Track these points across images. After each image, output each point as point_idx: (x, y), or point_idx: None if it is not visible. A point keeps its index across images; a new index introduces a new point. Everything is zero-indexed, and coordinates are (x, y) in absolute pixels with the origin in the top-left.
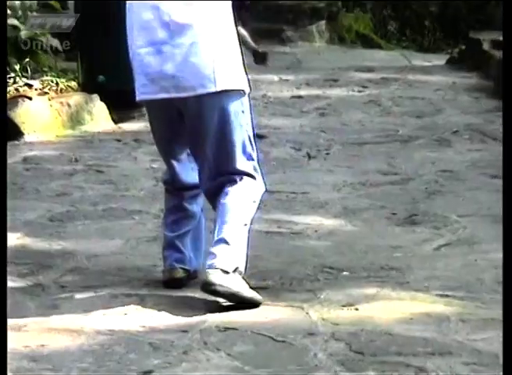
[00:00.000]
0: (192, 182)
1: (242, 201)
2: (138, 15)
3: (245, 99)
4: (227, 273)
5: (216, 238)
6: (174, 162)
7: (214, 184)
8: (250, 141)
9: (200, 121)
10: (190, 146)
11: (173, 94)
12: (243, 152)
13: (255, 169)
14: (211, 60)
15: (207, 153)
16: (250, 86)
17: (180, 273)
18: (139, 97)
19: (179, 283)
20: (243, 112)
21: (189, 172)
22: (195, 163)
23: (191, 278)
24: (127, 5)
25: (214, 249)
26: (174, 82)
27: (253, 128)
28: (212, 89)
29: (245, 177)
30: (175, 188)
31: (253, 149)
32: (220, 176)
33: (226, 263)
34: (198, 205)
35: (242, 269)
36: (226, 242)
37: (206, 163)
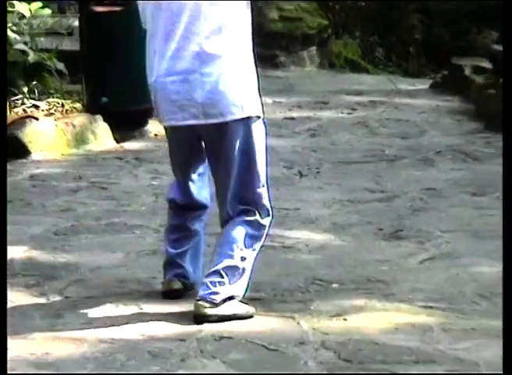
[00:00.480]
0: (201, 202)
1: (248, 237)
2: (161, 44)
3: (262, 125)
4: (218, 305)
5: (213, 269)
6: (189, 183)
7: (228, 210)
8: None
9: (224, 146)
10: (211, 169)
11: (202, 121)
12: (257, 180)
13: (266, 197)
14: (237, 88)
15: (227, 179)
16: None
17: (179, 285)
18: (167, 123)
19: (177, 294)
20: (261, 139)
21: (200, 192)
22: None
23: (189, 290)
24: (149, 34)
25: (208, 280)
26: (204, 109)
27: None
28: (239, 115)
29: (258, 212)
30: (180, 207)
31: (265, 174)
32: (236, 203)
33: (219, 297)
34: (201, 224)
35: (238, 294)
36: (222, 277)
37: (223, 188)
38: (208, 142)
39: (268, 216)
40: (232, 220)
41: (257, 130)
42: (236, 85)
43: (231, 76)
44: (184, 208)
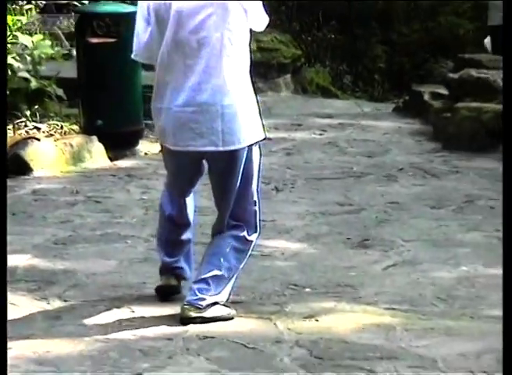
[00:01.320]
0: (189, 218)
1: (235, 250)
2: (180, 76)
3: (258, 147)
4: (204, 309)
5: (200, 277)
6: (183, 198)
7: (223, 224)
8: (258, 191)
9: (229, 169)
10: (213, 188)
11: (220, 148)
12: (251, 198)
13: (256, 214)
14: (250, 118)
15: (227, 197)
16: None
17: (175, 282)
18: (184, 148)
19: (173, 289)
20: (258, 162)
21: (189, 207)
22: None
23: (184, 280)
24: (160, 66)
25: (195, 286)
26: (223, 137)
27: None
28: (249, 142)
29: (246, 228)
30: (175, 225)
31: (258, 193)
32: (231, 218)
33: (204, 302)
34: (190, 232)
35: (222, 300)
36: (209, 284)
37: (222, 204)
38: (215, 165)
39: (255, 232)
40: (222, 233)
41: (256, 154)
42: (249, 115)
43: (245, 107)
44: (178, 225)
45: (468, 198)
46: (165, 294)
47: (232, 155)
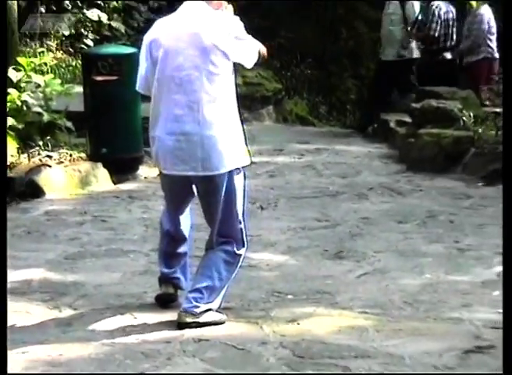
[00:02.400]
0: (184, 234)
1: (225, 263)
2: (168, 108)
3: (244, 174)
4: (198, 316)
5: (195, 287)
6: (179, 215)
7: (213, 240)
8: (243, 207)
9: (212, 192)
10: (202, 209)
11: (200, 173)
12: (236, 219)
13: (242, 231)
14: (228, 147)
15: (213, 216)
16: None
17: (172, 290)
18: (169, 171)
19: (171, 297)
20: (241, 185)
21: (185, 223)
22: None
23: (180, 290)
24: (154, 98)
25: (191, 295)
26: (202, 164)
27: (244, 192)
28: (228, 168)
29: (236, 243)
30: (172, 239)
31: (243, 213)
32: (219, 236)
33: (198, 309)
34: (186, 246)
35: (214, 308)
36: (202, 293)
37: (210, 223)
38: (200, 188)
39: (243, 246)
40: (214, 248)
41: (238, 179)
42: (228, 144)
43: (226, 137)
44: (174, 239)
45: (430, 214)
46: (164, 301)
47: (213, 180)
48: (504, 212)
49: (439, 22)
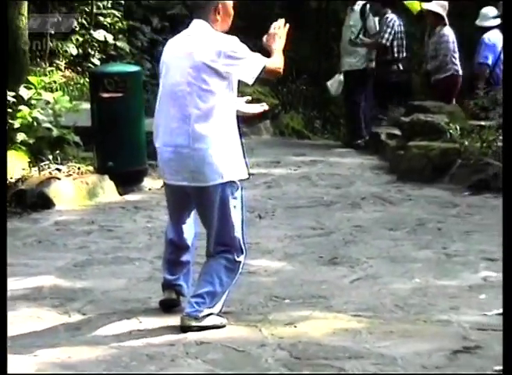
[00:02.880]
0: (187, 242)
1: (226, 269)
2: (165, 121)
3: (239, 186)
4: (200, 319)
5: (197, 292)
6: (181, 224)
7: (212, 248)
8: (242, 219)
9: (205, 203)
10: (200, 219)
11: (192, 184)
12: (232, 229)
13: (239, 240)
14: (219, 161)
15: (210, 226)
16: (248, 172)
17: (175, 296)
18: (166, 181)
19: (173, 302)
20: (235, 197)
21: (188, 232)
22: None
23: (182, 297)
24: (156, 110)
25: (193, 300)
26: (192, 175)
27: (242, 205)
28: (219, 181)
29: (234, 252)
30: (175, 247)
31: (242, 224)
32: (218, 244)
33: (200, 314)
34: (190, 255)
35: (215, 312)
36: (204, 299)
37: (207, 232)
38: (194, 199)
39: (242, 254)
40: (214, 256)
41: (233, 191)
42: (220, 158)
43: (216, 150)
44: (178, 247)
45: (419, 222)
46: (167, 306)
47: (205, 191)
48: (504, 215)
49: (392, 33)
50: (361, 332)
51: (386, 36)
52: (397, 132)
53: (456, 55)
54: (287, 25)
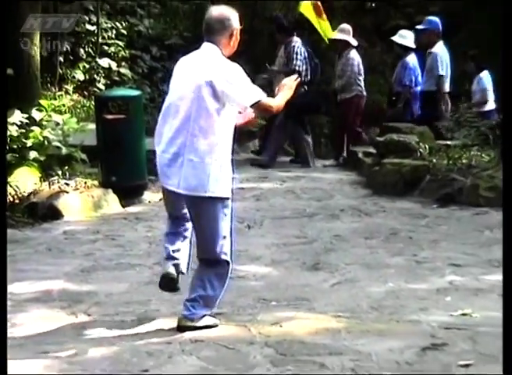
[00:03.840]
0: (187, 215)
1: (216, 275)
2: (166, 131)
3: (228, 202)
4: (195, 321)
5: (192, 296)
6: (176, 212)
7: (202, 255)
8: (231, 227)
9: (195, 214)
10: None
11: (179, 190)
12: (217, 243)
13: (226, 251)
14: (206, 175)
15: (201, 233)
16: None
17: (174, 275)
18: (161, 183)
19: (172, 280)
20: (225, 214)
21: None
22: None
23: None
24: (161, 120)
25: (189, 303)
26: (181, 182)
27: (231, 217)
28: (204, 195)
29: (223, 261)
30: (177, 218)
31: (229, 236)
32: (208, 252)
33: (196, 315)
34: (187, 232)
35: (209, 312)
36: (198, 302)
37: (200, 239)
38: (187, 206)
39: (228, 265)
40: (204, 262)
41: (220, 207)
42: (207, 174)
43: (206, 165)
44: (178, 218)
45: (392, 231)
46: (165, 283)
47: (191, 201)
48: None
49: (300, 59)
50: (340, 331)
51: (298, 63)
52: (373, 150)
53: (361, 77)
54: (298, 79)
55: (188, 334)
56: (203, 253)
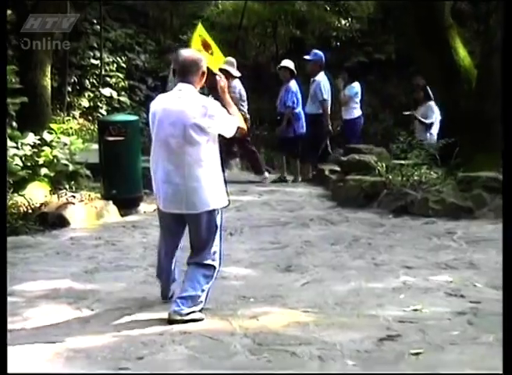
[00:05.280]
0: (173, 256)
1: (204, 277)
2: (163, 165)
3: (220, 212)
4: (183, 316)
5: (182, 295)
6: (174, 240)
7: (196, 259)
8: (221, 236)
9: (195, 225)
10: (190, 236)
11: (184, 211)
12: (211, 248)
13: (217, 255)
14: (207, 195)
15: (198, 242)
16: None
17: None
18: (165, 209)
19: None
20: (217, 220)
21: (174, 249)
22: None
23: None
24: (155, 153)
25: (179, 300)
26: (184, 205)
27: (221, 225)
28: (207, 209)
29: (214, 262)
30: (168, 236)
31: (220, 240)
32: (202, 256)
33: (186, 311)
34: (173, 261)
35: (198, 309)
36: (187, 300)
37: (196, 246)
38: (188, 222)
39: (215, 269)
40: (194, 264)
41: (216, 216)
42: (206, 192)
43: (204, 187)
44: (170, 236)
45: (354, 238)
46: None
47: (195, 217)
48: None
49: None
50: (309, 324)
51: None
52: (337, 168)
53: (244, 103)
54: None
55: (177, 327)
56: (196, 258)
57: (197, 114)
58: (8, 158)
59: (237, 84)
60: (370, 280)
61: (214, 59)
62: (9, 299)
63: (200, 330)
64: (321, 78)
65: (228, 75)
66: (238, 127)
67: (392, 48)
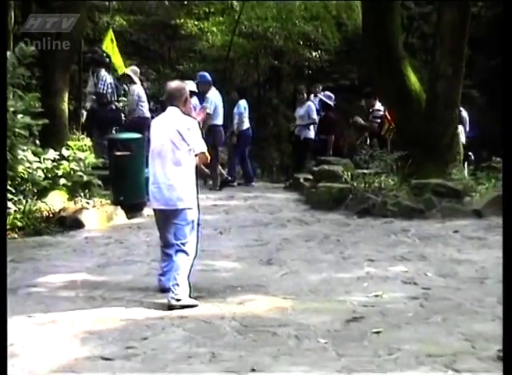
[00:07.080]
0: (171, 242)
1: (185, 263)
2: (154, 168)
3: (194, 212)
4: (179, 300)
5: (174, 282)
6: (165, 233)
7: (176, 247)
8: (198, 229)
9: (175, 219)
10: (172, 228)
11: (166, 207)
12: (187, 236)
13: (192, 244)
14: (184, 193)
15: (174, 232)
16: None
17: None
18: (152, 206)
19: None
20: (193, 215)
21: (171, 239)
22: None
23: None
24: (150, 160)
25: (172, 288)
26: (166, 201)
27: (199, 219)
28: (183, 206)
29: (191, 250)
30: (165, 247)
31: (197, 232)
32: (180, 245)
33: (179, 296)
34: (173, 251)
35: (187, 292)
36: (178, 285)
37: (176, 236)
38: (170, 217)
39: (188, 256)
40: (176, 254)
41: (190, 213)
42: (183, 191)
43: (181, 187)
44: (166, 246)
45: (325, 236)
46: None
47: (175, 212)
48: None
49: (106, 84)
50: (288, 309)
51: (102, 87)
52: (310, 177)
53: (144, 103)
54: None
55: (176, 312)
56: (179, 245)
57: (179, 125)
58: (32, 171)
59: (136, 88)
60: (339, 271)
61: (115, 63)
62: (34, 290)
63: (196, 315)
64: (211, 94)
65: (130, 80)
66: (206, 157)
67: (355, 76)
